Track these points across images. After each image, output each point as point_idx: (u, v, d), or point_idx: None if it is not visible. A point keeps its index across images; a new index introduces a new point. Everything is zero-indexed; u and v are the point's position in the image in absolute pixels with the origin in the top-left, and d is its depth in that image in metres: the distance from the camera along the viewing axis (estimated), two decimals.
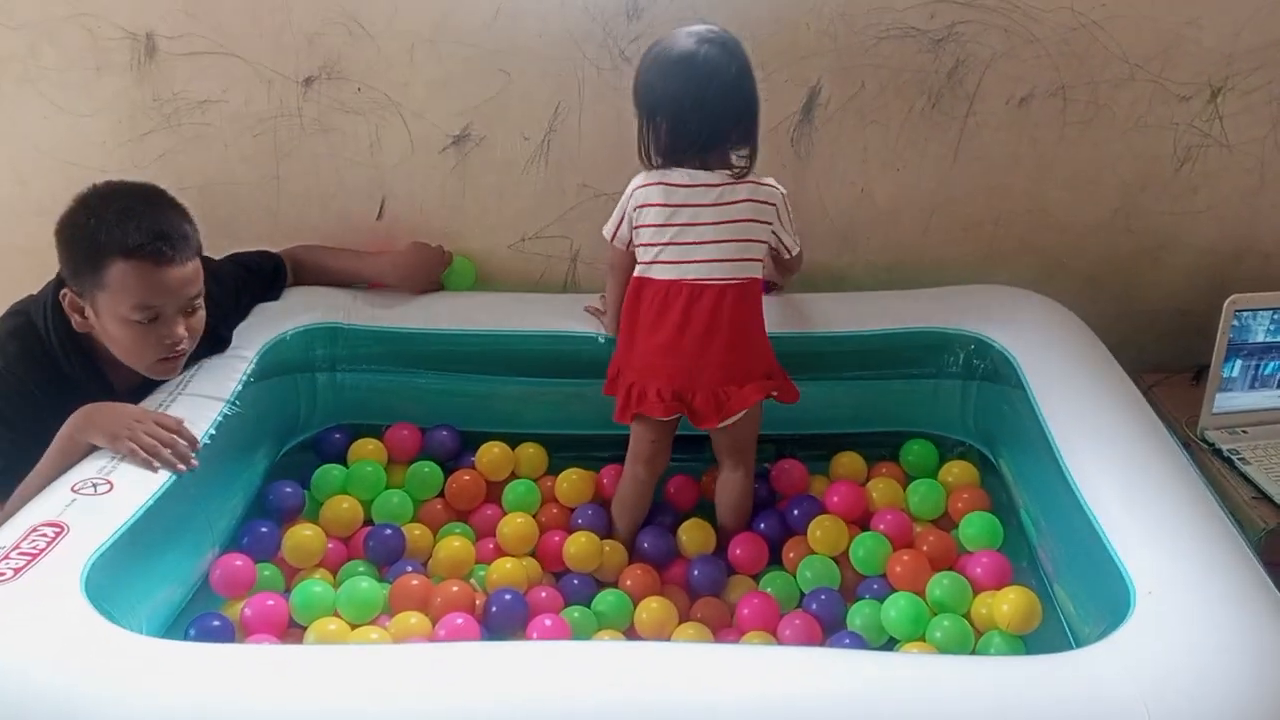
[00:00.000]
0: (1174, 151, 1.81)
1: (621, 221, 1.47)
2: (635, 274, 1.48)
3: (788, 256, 1.54)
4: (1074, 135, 1.78)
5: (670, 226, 1.43)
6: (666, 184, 1.43)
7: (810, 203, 1.81)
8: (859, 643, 1.38)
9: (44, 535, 1.15)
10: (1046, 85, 1.74)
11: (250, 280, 1.68)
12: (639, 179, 1.45)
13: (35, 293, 1.47)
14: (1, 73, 1.71)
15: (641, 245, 1.46)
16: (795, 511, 1.59)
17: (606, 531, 1.57)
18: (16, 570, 1.09)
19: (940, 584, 1.42)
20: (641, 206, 1.44)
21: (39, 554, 1.12)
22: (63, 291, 1.40)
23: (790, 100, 1.74)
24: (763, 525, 1.58)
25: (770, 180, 1.47)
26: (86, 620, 1.06)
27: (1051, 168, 1.81)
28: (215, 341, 1.55)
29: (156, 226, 1.37)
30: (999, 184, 1.82)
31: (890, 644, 1.40)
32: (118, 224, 1.34)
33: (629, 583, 1.48)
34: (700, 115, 1.39)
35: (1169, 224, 1.87)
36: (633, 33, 1.68)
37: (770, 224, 1.47)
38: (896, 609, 1.39)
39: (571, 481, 1.64)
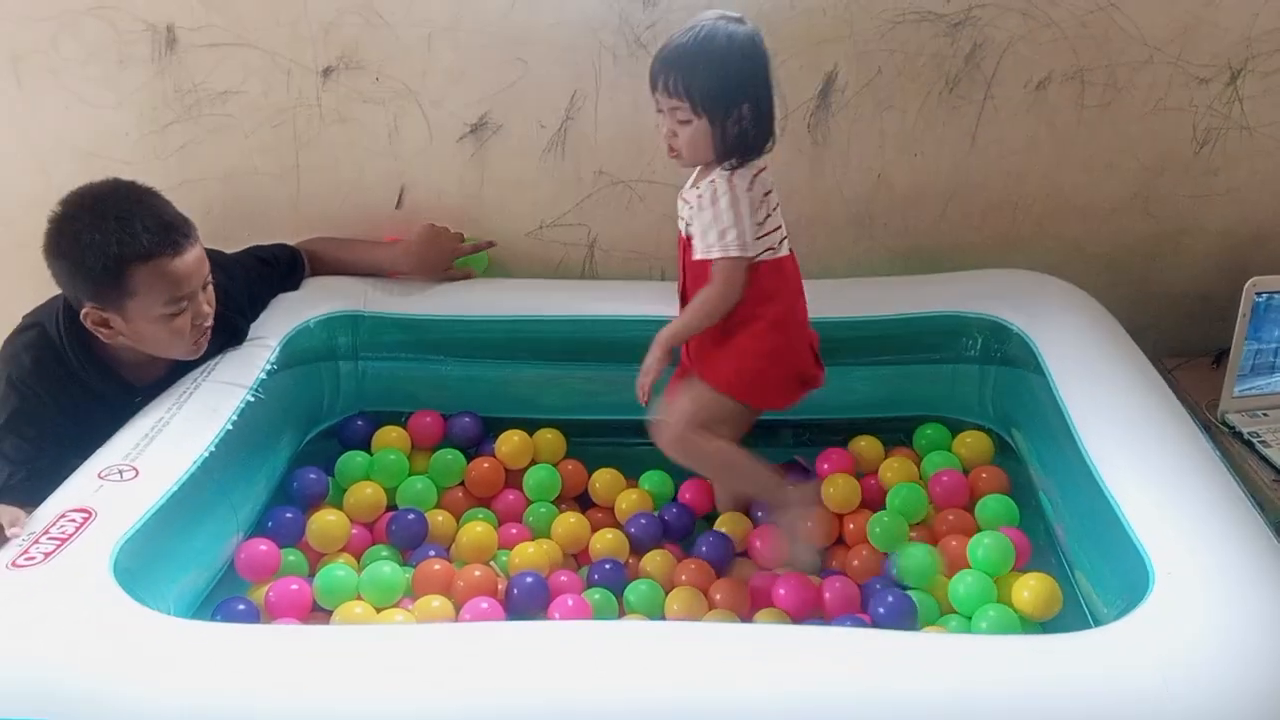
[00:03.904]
0: (1193, 134, 1.80)
1: (748, 227, 1.36)
2: (765, 258, 1.40)
3: None
4: (1092, 119, 1.77)
5: (776, 211, 1.41)
6: (764, 170, 1.39)
7: (827, 188, 1.81)
8: (901, 600, 1.37)
9: (72, 520, 1.17)
10: (1064, 69, 1.73)
11: (266, 271, 1.69)
12: (742, 176, 1.35)
13: (44, 303, 1.48)
14: (24, 65, 1.73)
15: (765, 235, 1.40)
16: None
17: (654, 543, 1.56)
18: (47, 555, 1.11)
19: (982, 544, 1.42)
20: (767, 195, 1.39)
21: (68, 538, 1.14)
22: (84, 313, 1.39)
23: (807, 86, 1.74)
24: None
25: None
26: (117, 602, 1.08)
27: (1070, 152, 1.80)
28: (232, 333, 1.56)
29: (159, 219, 1.37)
30: (1017, 168, 1.81)
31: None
32: (124, 230, 1.34)
33: (657, 570, 1.48)
34: (772, 97, 1.37)
35: (1188, 207, 1.86)
36: (649, 19, 1.69)
37: None
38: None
39: (605, 482, 1.66)
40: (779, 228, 1.42)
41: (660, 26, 1.68)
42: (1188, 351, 1.86)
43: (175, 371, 1.49)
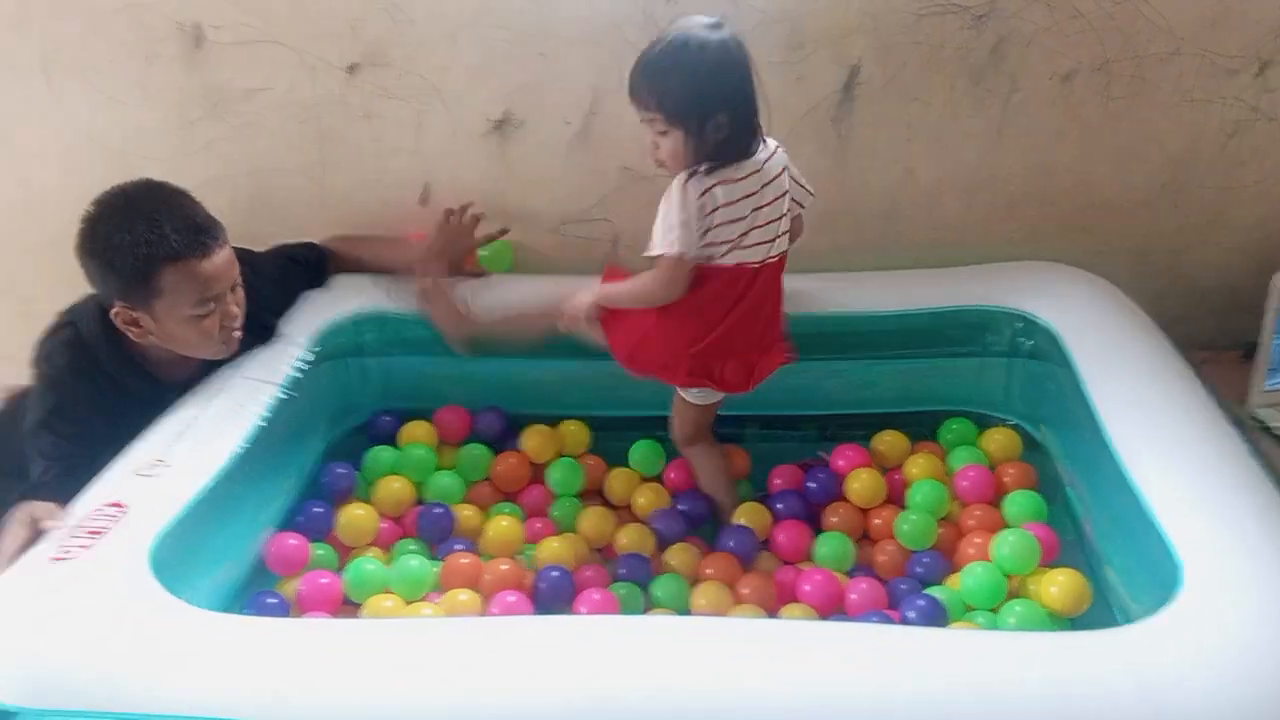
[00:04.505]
0: (1221, 126, 1.78)
1: (692, 233, 1.35)
2: (700, 261, 1.39)
3: (803, 208, 1.48)
4: (1119, 111, 1.76)
5: (740, 221, 1.37)
6: (728, 182, 1.35)
7: (852, 182, 1.81)
8: (931, 603, 1.37)
9: (108, 514, 1.19)
10: (1091, 60, 1.72)
11: (294, 270, 1.70)
12: (695, 185, 1.34)
13: (78, 301, 1.49)
14: (55, 64, 1.75)
15: (706, 245, 1.38)
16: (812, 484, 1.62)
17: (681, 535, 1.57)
18: (84, 547, 1.13)
19: (1006, 541, 1.42)
20: (711, 213, 1.35)
21: (103, 533, 1.16)
22: (114, 312, 1.41)
23: (831, 80, 1.73)
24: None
25: (770, 139, 1.42)
26: (156, 597, 1.10)
27: (1096, 144, 1.79)
28: (261, 331, 1.57)
29: (188, 221, 1.38)
30: (1043, 161, 1.80)
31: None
32: (154, 231, 1.35)
33: (682, 564, 1.49)
34: (751, 103, 1.35)
35: (1217, 199, 1.84)
36: (671, 13, 1.67)
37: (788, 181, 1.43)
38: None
39: (620, 481, 1.67)
40: (727, 243, 1.38)
41: None
42: (1216, 345, 1.84)
43: (208, 369, 1.51)
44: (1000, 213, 1.84)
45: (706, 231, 1.37)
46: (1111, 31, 1.70)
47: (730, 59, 1.32)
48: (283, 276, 1.66)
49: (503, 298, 1.70)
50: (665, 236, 1.35)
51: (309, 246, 1.75)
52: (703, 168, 1.34)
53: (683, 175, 1.35)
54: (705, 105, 1.31)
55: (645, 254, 1.39)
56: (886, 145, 1.78)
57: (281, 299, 1.65)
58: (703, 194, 1.34)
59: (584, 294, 1.48)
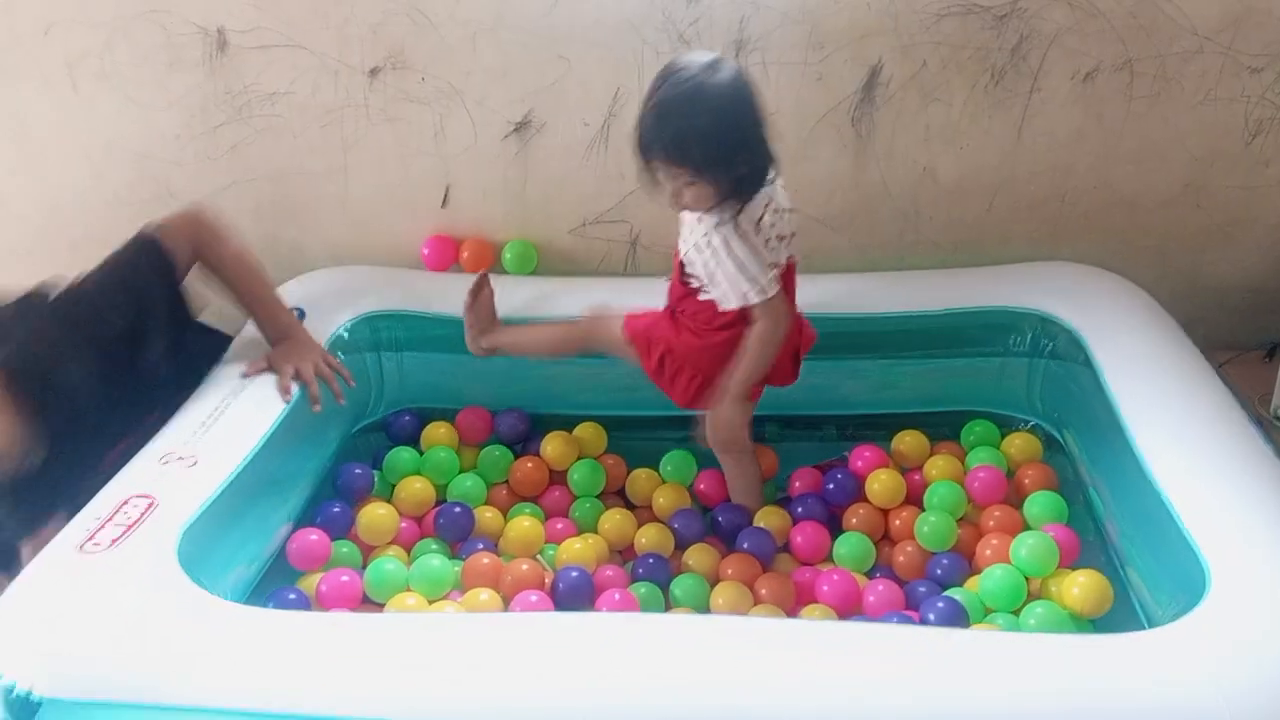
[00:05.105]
0: (1244, 125, 1.77)
1: (765, 267, 1.36)
2: None
3: None
4: (1141, 110, 1.75)
5: (784, 236, 1.40)
6: (768, 206, 1.36)
7: (872, 182, 1.81)
8: (951, 605, 1.36)
9: (136, 506, 1.20)
10: (1112, 60, 1.71)
11: (139, 278, 1.42)
12: (747, 224, 1.34)
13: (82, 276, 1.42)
14: (80, 69, 1.77)
15: None
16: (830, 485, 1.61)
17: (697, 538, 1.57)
18: (114, 540, 1.14)
19: (1025, 544, 1.41)
20: (769, 239, 1.36)
21: (133, 525, 1.17)
22: None
23: (851, 80, 1.73)
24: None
25: None
26: (184, 589, 1.11)
27: (1118, 144, 1.78)
28: (207, 347, 1.51)
29: None
30: (1064, 161, 1.80)
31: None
32: None
33: (700, 565, 1.49)
34: (767, 132, 1.33)
35: (1240, 199, 1.83)
36: (691, 15, 1.69)
37: None
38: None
39: (641, 482, 1.67)
40: (776, 260, 1.38)
41: (703, 23, 1.68)
42: (1239, 345, 1.83)
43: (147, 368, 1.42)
44: (1021, 213, 1.84)
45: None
46: (1133, 30, 1.69)
47: (741, 96, 1.30)
48: (132, 292, 1.42)
49: (528, 301, 1.72)
50: (743, 287, 1.35)
51: (139, 246, 1.44)
52: (737, 204, 1.33)
53: (726, 220, 1.33)
54: (731, 151, 1.29)
55: (726, 307, 1.38)
56: (906, 145, 1.78)
57: (159, 308, 1.43)
58: (760, 221, 1.34)
59: (726, 411, 1.46)
